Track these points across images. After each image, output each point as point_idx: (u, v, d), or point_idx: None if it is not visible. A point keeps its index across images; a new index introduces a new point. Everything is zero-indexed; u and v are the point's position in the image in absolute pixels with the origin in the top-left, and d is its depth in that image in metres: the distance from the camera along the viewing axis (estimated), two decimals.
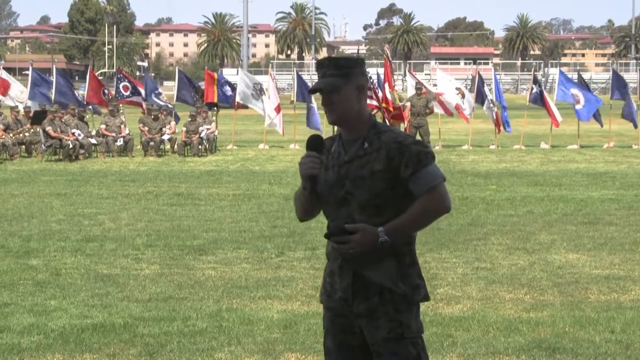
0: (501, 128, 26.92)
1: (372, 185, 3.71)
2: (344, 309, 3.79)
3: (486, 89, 27.37)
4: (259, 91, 27.47)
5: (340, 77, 3.75)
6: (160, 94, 28.34)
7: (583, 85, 27.77)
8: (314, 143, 3.78)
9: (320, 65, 3.81)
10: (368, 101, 24.33)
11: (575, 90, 27.15)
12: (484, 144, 28.03)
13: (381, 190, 3.70)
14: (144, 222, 12.33)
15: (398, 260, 3.75)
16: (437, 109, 26.40)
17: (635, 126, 27.51)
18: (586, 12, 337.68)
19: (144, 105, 26.63)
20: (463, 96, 27.26)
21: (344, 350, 3.83)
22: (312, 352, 6.21)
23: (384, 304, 3.72)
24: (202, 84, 29.60)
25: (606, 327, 6.93)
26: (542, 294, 8.13)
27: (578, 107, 27.00)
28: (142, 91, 27.17)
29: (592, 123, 28.05)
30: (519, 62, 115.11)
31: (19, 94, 27.52)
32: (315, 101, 27.05)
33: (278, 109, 26.87)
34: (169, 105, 27.37)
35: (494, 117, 26.77)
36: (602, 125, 27.85)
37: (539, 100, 27.29)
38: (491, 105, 26.89)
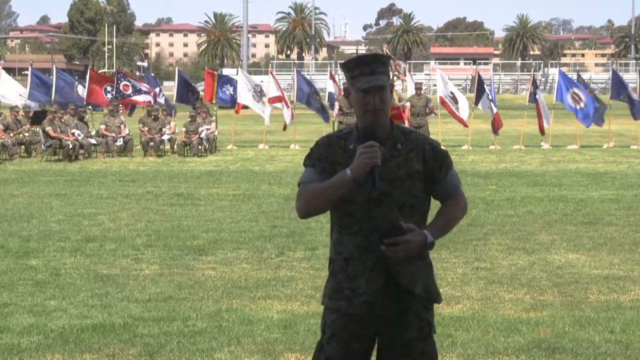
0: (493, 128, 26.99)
1: (411, 186, 3.69)
2: (367, 314, 3.69)
3: (486, 88, 27.35)
4: (259, 93, 27.48)
5: (385, 75, 3.69)
6: (161, 94, 28.31)
7: (583, 85, 27.73)
8: (371, 133, 3.63)
9: (367, 61, 3.66)
10: None
11: (576, 90, 27.13)
12: (484, 144, 28.04)
13: (418, 191, 3.71)
14: (144, 223, 12.33)
15: (424, 262, 3.78)
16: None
17: None
18: (586, 12, 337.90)
19: (148, 100, 26.52)
20: (456, 102, 27.19)
21: (352, 356, 3.75)
22: (312, 352, 6.20)
23: (415, 304, 3.72)
24: (203, 84, 29.59)
25: (606, 327, 6.93)
26: (541, 294, 8.13)
27: (579, 107, 26.95)
28: (145, 86, 27.08)
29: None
30: (518, 62, 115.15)
31: (16, 94, 27.39)
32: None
33: (282, 101, 26.92)
34: (169, 105, 27.37)
35: (493, 116, 26.79)
36: (600, 125, 27.75)
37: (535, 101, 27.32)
38: (490, 104, 26.88)
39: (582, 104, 26.95)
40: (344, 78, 3.81)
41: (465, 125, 27.25)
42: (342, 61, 3.81)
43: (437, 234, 3.71)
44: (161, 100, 27.67)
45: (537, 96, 27.25)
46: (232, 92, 27.33)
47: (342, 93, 25.81)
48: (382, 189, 3.62)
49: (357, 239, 3.69)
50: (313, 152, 3.78)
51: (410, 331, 3.72)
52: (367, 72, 3.65)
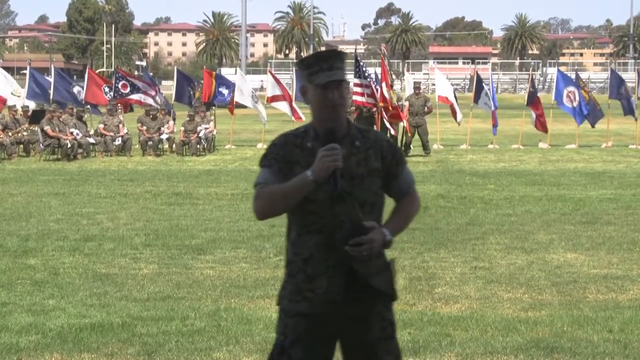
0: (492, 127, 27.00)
1: (371, 183, 3.70)
2: (329, 314, 3.68)
3: (485, 87, 27.34)
4: (255, 97, 27.52)
5: (343, 70, 3.70)
6: (159, 93, 28.28)
7: (579, 86, 27.75)
8: (331, 135, 3.62)
9: (326, 57, 3.67)
10: (365, 99, 24.23)
11: (571, 88, 27.17)
12: (482, 143, 28.04)
13: (377, 188, 3.74)
14: (142, 222, 12.32)
15: (382, 260, 3.78)
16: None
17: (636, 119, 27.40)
18: (584, 11, 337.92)
19: (148, 101, 26.51)
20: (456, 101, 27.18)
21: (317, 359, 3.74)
22: None
23: (377, 304, 3.73)
24: (201, 83, 29.60)
25: (604, 326, 6.93)
26: (540, 293, 8.13)
27: (572, 105, 27.02)
28: (143, 85, 27.05)
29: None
30: (517, 61, 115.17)
31: (11, 93, 27.38)
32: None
33: (284, 100, 26.90)
34: (168, 105, 27.37)
35: (492, 114, 26.78)
36: (593, 125, 27.84)
37: (532, 101, 27.33)
38: (489, 101, 26.87)
39: (575, 103, 27.00)
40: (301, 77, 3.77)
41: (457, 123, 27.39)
42: (298, 60, 3.79)
43: (395, 232, 3.73)
44: (159, 99, 27.58)
45: (532, 92, 27.32)
46: (226, 94, 27.28)
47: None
48: (343, 187, 3.61)
49: (319, 237, 3.67)
50: (269, 152, 3.74)
51: (374, 331, 3.73)
52: (325, 67, 3.65)
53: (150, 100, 26.34)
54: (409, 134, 23.97)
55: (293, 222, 3.75)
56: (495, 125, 27.07)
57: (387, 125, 23.05)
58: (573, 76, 28.57)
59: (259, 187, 3.69)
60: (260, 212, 3.69)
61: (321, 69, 3.65)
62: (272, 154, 3.72)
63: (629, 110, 27.58)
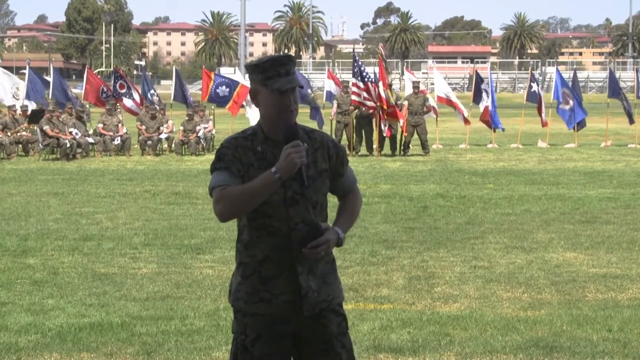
0: (491, 125, 26.88)
1: (321, 185, 3.77)
2: (288, 313, 3.71)
3: (484, 86, 27.29)
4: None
5: (296, 75, 3.77)
6: (154, 94, 28.31)
7: (576, 89, 27.75)
8: (294, 133, 3.66)
9: (283, 62, 3.70)
10: (363, 100, 24.19)
11: (566, 91, 27.21)
12: (482, 142, 28.04)
13: (326, 189, 3.82)
14: (142, 221, 12.32)
15: (331, 259, 3.85)
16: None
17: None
18: (583, 11, 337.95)
19: (138, 107, 26.53)
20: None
21: (280, 356, 3.76)
22: None
23: (331, 302, 3.80)
24: (199, 82, 29.64)
25: (603, 325, 6.93)
26: (539, 292, 8.14)
27: (565, 107, 27.07)
28: (136, 94, 27.10)
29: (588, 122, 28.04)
30: (516, 61, 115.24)
31: (9, 94, 27.41)
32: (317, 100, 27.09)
33: None
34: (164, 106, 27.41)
35: (493, 113, 26.74)
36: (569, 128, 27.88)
37: (535, 99, 27.31)
38: (487, 99, 26.86)
39: (568, 106, 27.01)
40: (252, 79, 3.77)
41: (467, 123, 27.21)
42: (251, 62, 3.81)
43: (346, 230, 3.81)
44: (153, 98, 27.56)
45: (533, 90, 27.30)
46: (226, 94, 27.26)
47: (341, 89, 25.77)
48: (295, 189, 3.66)
49: (274, 240, 3.69)
50: (224, 155, 3.70)
51: (331, 327, 3.78)
52: (283, 72, 3.68)
53: (137, 109, 26.45)
54: (405, 133, 23.89)
55: (245, 224, 3.76)
56: (493, 124, 26.93)
57: (382, 125, 23.02)
58: (571, 75, 28.60)
59: (220, 189, 3.63)
60: (224, 214, 3.65)
61: (279, 74, 3.68)
62: (228, 155, 3.69)
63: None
